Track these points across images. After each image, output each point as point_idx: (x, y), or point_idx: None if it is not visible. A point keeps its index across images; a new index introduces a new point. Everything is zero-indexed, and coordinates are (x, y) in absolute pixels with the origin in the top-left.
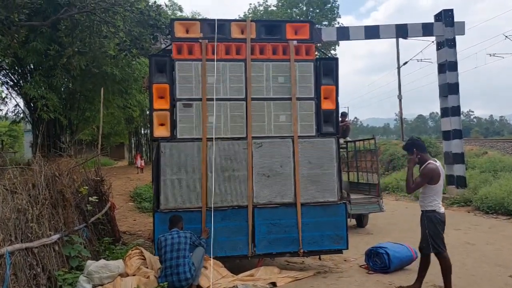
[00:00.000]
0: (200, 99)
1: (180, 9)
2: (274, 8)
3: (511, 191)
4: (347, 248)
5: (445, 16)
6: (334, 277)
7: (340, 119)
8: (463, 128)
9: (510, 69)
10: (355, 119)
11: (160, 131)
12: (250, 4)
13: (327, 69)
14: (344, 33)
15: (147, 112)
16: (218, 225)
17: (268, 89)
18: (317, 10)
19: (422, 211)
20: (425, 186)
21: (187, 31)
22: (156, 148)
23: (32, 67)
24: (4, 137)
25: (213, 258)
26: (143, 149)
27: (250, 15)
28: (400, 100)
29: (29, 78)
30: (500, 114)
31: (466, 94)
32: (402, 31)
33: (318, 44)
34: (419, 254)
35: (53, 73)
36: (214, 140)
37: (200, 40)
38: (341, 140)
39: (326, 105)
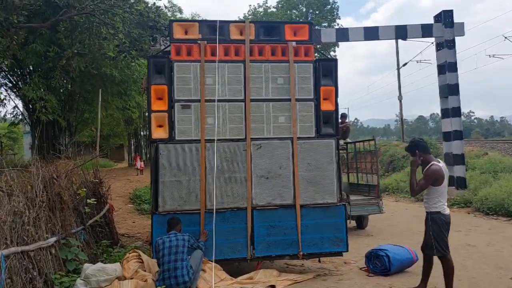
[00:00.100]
0: (199, 100)
1: (180, 11)
2: (274, 10)
3: (511, 192)
4: (347, 251)
5: (445, 17)
6: (334, 280)
7: (340, 120)
8: (464, 129)
9: (510, 70)
10: (355, 120)
11: (158, 133)
12: (250, 5)
13: (326, 70)
14: (343, 34)
15: (146, 114)
16: (217, 227)
17: (267, 90)
18: (317, 12)
19: (426, 212)
20: (429, 187)
21: (185, 33)
22: (154, 150)
23: (31, 68)
24: (3, 139)
25: (211, 260)
26: (143, 150)
27: (250, 16)
28: (400, 101)
29: (28, 79)
30: (501, 115)
31: (467, 95)
32: (401, 32)
33: (318, 46)
34: (419, 256)
35: (52, 74)
36: (215, 141)
37: (199, 41)
38: (341, 141)
39: (326, 106)
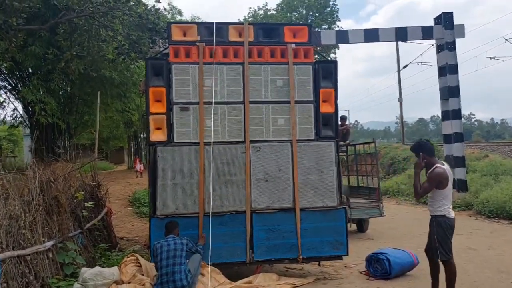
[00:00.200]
0: (197, 103)
1: (180, 13)
2: (274, 12)
3: None
4: (347, 254)
5: (445, 19)
6: (334, 283)
7: (340, 122)
8: (464, 131)
9: (511, 72)
10: (356, 122)
11: (157, 135)
12: (250, 8)
13: (326, 72)
14: (343, 36)
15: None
16: (216, 231)
17: (266, 92)
18: (317, 14)
19: (431, 216)
20: (433, 190)
21: (184, 34)
22: (152, 153)
23: (30, 71)
24: (3, 141)
25: (210, 265)
26: (142, 153)
27: (250, 19)
28: (400, 103)
29: (27, 82)
30: (501, 117)
31: (467, 97)
32: (401, 34)
33: (318, 48)
34: (420, 260)
35: (51, 77)
36: (212, 144)
37: (197, 43)
38: (341, 143)
39: (325, 108)
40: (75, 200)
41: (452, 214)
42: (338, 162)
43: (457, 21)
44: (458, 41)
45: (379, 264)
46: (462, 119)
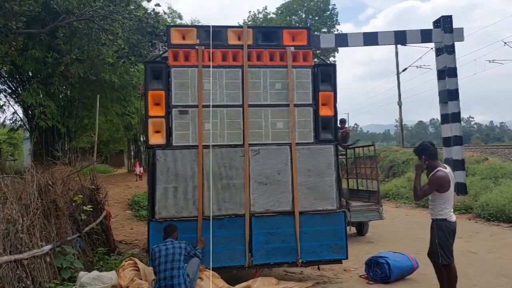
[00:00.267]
0: (196, 106)
1: (180, 17)
2: (274, 16)
3: None
4: (346, 258)
5: (444, 23)
6: (334, 287)
7: (339, 125)
8: (464, 135)
9: (510, 75)
10: (355, 126)
11: (156, 139)
12: (250, 11)
13: (325, 75)
14: (342, 40)
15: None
16: (215, 234)
17: (265, 95)
18: (316, 18)
19: (432, 219)
20: (434, 193)
21: (183, 38)
22: (151, 156)
23: (30, 74)
24: (3, 145)
25: (208, 268)
26: (142, 156)
27: (250, 22)
28: (400, 107)
29: (27, 85)
30: (501, 120)
31: (466, 100)
32: (400, 37)
33: (317, 51)
34: (420, 264)
35: (51, 80)
36: (211, 147)
37: (197, 47)
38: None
39: (324, 111)
40: (73, 204)
41: (453, 218)
42: (337, 165)
43: (456, 24)
44: (457, 45)
45: (378, 268)
46: (462, 122)
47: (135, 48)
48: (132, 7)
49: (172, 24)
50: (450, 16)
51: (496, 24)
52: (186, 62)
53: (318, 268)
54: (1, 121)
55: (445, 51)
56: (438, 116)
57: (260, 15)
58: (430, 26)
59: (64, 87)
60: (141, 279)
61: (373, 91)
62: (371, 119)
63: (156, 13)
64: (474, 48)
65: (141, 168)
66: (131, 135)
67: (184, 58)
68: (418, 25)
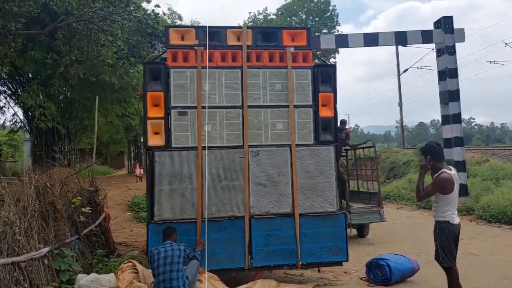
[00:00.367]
0: (196, 107)
1: (180, 18)
2: (274, 17)
3: None
4: (347, 260)
5: (445, 23)
6: None
7: (340, 126)
8: (464, 136)
9: (511, 76)
10: (356, 127)
11: (155, 140)
12: (250, 12)
13: (325, 76)
14: (343, 41)
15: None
16: (214, 236)
17: (265, 96)
18: (317, 19)
19: (435, 221)
20: (437, 195)
21: (182, 38)
22: (150, 157)
23: (30, 76)
24: (4, 146)
25: (208, 271)
26: (142, 157)
27: (250, 23)
28: (400, 108)
29: (27, 87)
30: (501, 121)
31: (467, 101)
32: (401, 38)
33: (318, 52)
34: (421, 266)
35: (51, 82)
36: (207, 148)
37: (195, 47)
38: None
39: (324, 112)
40: (72, 206)
41: (456, 220)
42: (337, 166)
43: (456, 25)
44: (458, 45)
45: (379, 270)
46: (462, 123)
47: (135, 49)
48: (131, 8)
49: (172, 25)
50: (451, 17)
51: (497, 25)
52: (185, 63)
53: (319, 270)
54: (1, 122)
55: (446, 52)
56: (439, 117)
57: (260, 16)
58: (431, 27)
59: (64, 88)
60: (140, 281)
61: (374, 92)
62: (371, 120)
63: (156, 14)
64: (475, 49)
65: (141, 170)
66: (131, 136)
67: (183, 59)
68: (418, 26)
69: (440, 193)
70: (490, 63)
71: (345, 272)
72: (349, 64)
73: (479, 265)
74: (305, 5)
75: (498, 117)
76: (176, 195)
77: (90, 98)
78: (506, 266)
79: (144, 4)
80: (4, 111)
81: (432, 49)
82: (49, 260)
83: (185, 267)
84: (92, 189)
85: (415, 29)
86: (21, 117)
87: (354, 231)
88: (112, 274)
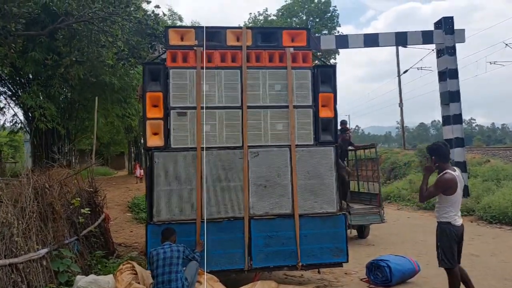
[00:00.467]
0: (195, 108)
1: (180, 19)
2: (274, 18)
3: None
4: (347, 261)
5: (445, 24)
6: None
7: (340, 127)
8: (465, 136)
9: (511, 77)
10: (356, 127)
11: (154, 141)
12: (250, 13)
13: (325, 77)
14: (343, 41)
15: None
16: (213, 237)
17: (265, 97)
18: (317, 19)
19: (437, 222)
20: (440, 196)
21: (181, 39)
22: (149, 158)
23: (30, 76)
24: (4, 147)
25: (208, 272)
26: (143, 158)
27: (250, 24)
28: (401, 108)
29: (27, 88)
30: (502, 122)
31: (468, 102)
32: (401, 39)
33: (319, 53)
34: (421, 267)
35: (51, 82)
36: (205, 149)
37: (195, 48)
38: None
39: (324, 113)
40: (71, 207)
41: (458, 221)
42: (337, 167)
43: (457, 26)
44: (458, 46)
45: (379, 271)
46: (463, 124)
47: (135, 50)
48: (131, 8)
49: (171, 25)
50: (451, 17)
51: (497, 25)
52: (184, 63)
53: (319, 272)
54: (1, 123)
55: (446, 52)
56: (439, 118)
57: (261, 17)
58: (431, 28)
59: (64, 89)
60: (138, 283)
61: (374, 93)
62: (372, 121)
63: (156, 15)
64: (475, 50)
65: (142, 170)
66: (131, 137)
67: (183, 60)
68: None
69: (442, 194)
70: (491, 63)
71: (345, 273)
72: (350, 65)
73: (480, 266)
74: (306, 6)
75: (499, 118)
76: (175, 196)
77: (90, 99)
78: (507, 267)
79: (144, 5)
80: (4, 112)
81: (432, 50)
82: (48, 261)
83: (184, 268)
84: (91, 190)
85: (415, 29)
86: (21, 118)
87: (354, 232)
88: (111, 275)
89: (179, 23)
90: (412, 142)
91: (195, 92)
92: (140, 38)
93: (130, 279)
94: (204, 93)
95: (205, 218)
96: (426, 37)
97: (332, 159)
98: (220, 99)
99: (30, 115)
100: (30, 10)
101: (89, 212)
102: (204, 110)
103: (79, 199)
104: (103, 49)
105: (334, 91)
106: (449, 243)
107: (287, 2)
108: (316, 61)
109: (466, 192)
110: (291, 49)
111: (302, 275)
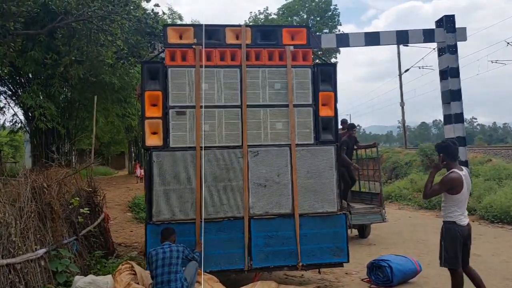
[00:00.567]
0: (194, 107)
1: (180, 18)
2: (275, 17)
3: None
4: (347, 261)
5: (447, 22)
6: None
7: (341, 126)
8: (467, 135)
9: None
10: (358, 127)
11: (152, 140)
12: (251, 12)
13: (325, 75)
14: (344, 40)
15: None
16: (213, 237)
17: (264, 95)
18: (318, 18)
19: (442, 221)
20: (445, 195)
21: (180, 37)
22: (148, 158)
23: (30, 76)
24: (5, 147)
25: (207, 272)
26: (143, 158)
27: (251, 23)
28: (402, 108)
29: (27, 87)
30: (504, 121)
31: (469, 101)
32: (402, 37)
33: (319, 52)
34: (423, 267)
35: (51, 82)
36: (203, 148)
37: (194, 46)
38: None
39: (325, 112)
40: (70, 206)
41: (464, 221)
42: (338, 166)
43: (458, 24)
44: (459, 45)
45: (380, 271)
46: (465, 123)
47: (134, 49)
48: (130, 7)
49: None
50: (453, 16)
51: (499, 24)
52: (183, 62)
53: (319, 272)
54: (1, 123)
55: (448, 51)
56: (441, 117)
57: (261, 16)
58: (432, 27)
59: (64, 88)
60: (137, 283)
61: (375, 92)
62: (373, 120)
63: (155, 14)
64: (476, 49)
65: (142, 170)
66: (131, 137)
67: (181, 58)
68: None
69: (447, 193)
70: (492, 62)
71: (346, 273)
72: (351, 64)
73: (482, 266)
74: (306, 5)
75: (500, 117)
76: (174, 196)
77: (90, 98)
78: (509, 267)
79: (144, 4)
80: (4, 111)
81: (434, 49)
82: (46, 261)
83: (183, 268)
84: (90, 189)
85: (416, 28)
86: (21, 117)
87: (355, 232)
88: (110, 275)
89: (178, 22)
90: (413, 141)
91: (194, 91)
92: (139, 37)
93: (129, 280)
94: (203, 92)
95: (203, 218)
96: (428, 36)
97: (333, 158)
98: (219, 98)
99: (30, 114)
100: (29, 9)
101: (88, 212)
102: (203, 109)
103: (78, 198)
104: (102, 48)
105: (335, 90)
106: (453, 243)
107: (288, 1)
108: (317, 60)
109: None
110: (291, 47)
111: (302, 275)
